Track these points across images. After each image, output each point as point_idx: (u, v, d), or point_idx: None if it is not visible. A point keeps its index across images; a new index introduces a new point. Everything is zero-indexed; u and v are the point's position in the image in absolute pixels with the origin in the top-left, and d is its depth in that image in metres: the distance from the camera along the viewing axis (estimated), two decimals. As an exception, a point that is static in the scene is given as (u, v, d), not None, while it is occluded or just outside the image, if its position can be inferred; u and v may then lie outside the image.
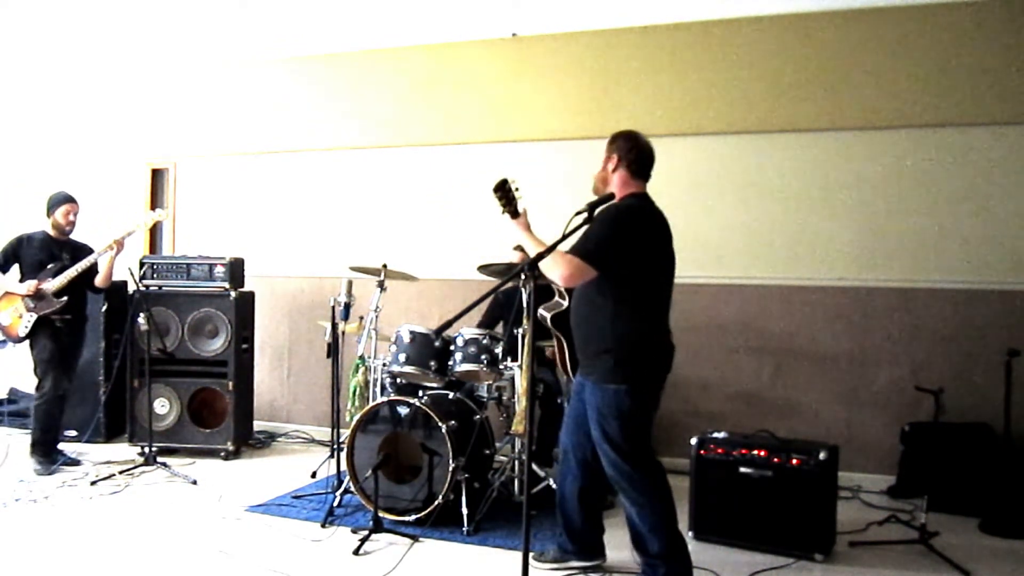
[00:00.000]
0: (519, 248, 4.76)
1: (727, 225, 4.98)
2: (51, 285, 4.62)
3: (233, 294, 5.16)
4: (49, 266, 4.69)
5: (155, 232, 6.43)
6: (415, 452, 3.83)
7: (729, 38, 4.97)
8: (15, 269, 4.75)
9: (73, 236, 4.87)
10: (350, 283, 4.41)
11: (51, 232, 4.78)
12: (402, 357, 4.06)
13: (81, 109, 6.50)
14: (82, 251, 4.86)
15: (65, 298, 4.69)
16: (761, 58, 4.91)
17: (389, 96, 5.72)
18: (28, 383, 5.05)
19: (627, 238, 2.89)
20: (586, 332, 3.01)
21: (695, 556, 3.13)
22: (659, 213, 3.02)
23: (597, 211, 2.94)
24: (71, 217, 4.79)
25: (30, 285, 4.58)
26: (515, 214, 3.00)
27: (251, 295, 5.52)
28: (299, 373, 5.94)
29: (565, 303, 3.14)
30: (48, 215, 4.77)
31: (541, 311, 3.31)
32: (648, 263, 2.94)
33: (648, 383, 2.98)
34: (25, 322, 4.61)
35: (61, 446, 5.01)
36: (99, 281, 4.80)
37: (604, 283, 2.88)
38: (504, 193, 2.97)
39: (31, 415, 4.76)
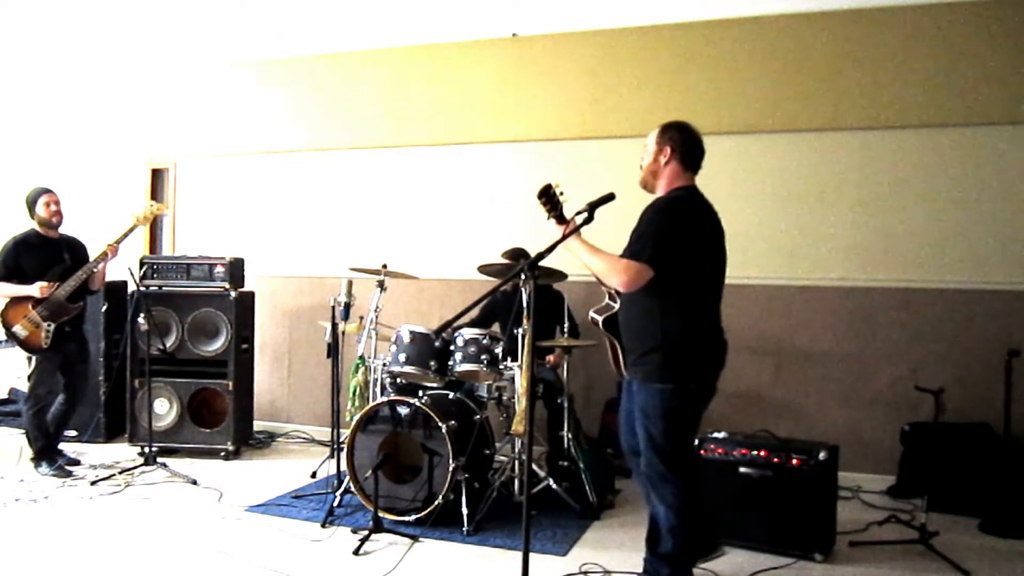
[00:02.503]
0: (510, 253, 4.75)
1: (727, 225, 4.93)
2: (62, 291, 4.52)
3: (233, 294, 5.16)
4: (53, 269, 4.58)
5: (155, 232, 6.44)
6: (415, 452, 3.83)
7: (729, 38, 4.97)
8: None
9: (64, 231, 4.77)
10: (350, 283, 4.41)
11: (40, 229, 4.66)
12: (402, 357, 4.06)
13: (81, 109, 6.50)
14: (78, 247, 4.81)
15: (81, 303, 4.65)
16: (761, 58, 4.91)
17: (389, 96, 5.72)
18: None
19: (678, 232, 2.78)
20: (634, 331, 2.93)
21: (695, 556, 3.13)
22: (709, 205, 2.93)
23: (596, 210, 2.88)
24: (53, 207, 4.63)
25: (42, 287, 4.44)
26: (561, 219, 2.88)
27: (251, 295, 5.52)
28: (299, 373, 5.94)
29: (616, 305, 3.07)
30: (31, 214, 4.65)
31: (592, 314, 3.21)
32: (697, 258, 2.83)
33: (696, 383, 2.87)
34: (46, 332, 4.51)
35: (61, 446, 5.01)
36: (94, 284, 4.74)
37: (652, 281, 2.76)
38: (549, 199, 2.89)
39: (28, 424, 4.66)
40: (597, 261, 2.82)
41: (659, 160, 2.92)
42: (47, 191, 4.68)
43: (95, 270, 4.64)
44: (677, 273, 2.77)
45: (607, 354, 3.21)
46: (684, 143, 2.92)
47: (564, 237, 2.77)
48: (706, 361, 2.90)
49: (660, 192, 2.94)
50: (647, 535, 3.06)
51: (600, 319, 3.16)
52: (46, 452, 4.67)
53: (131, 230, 4.68)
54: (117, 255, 4.65)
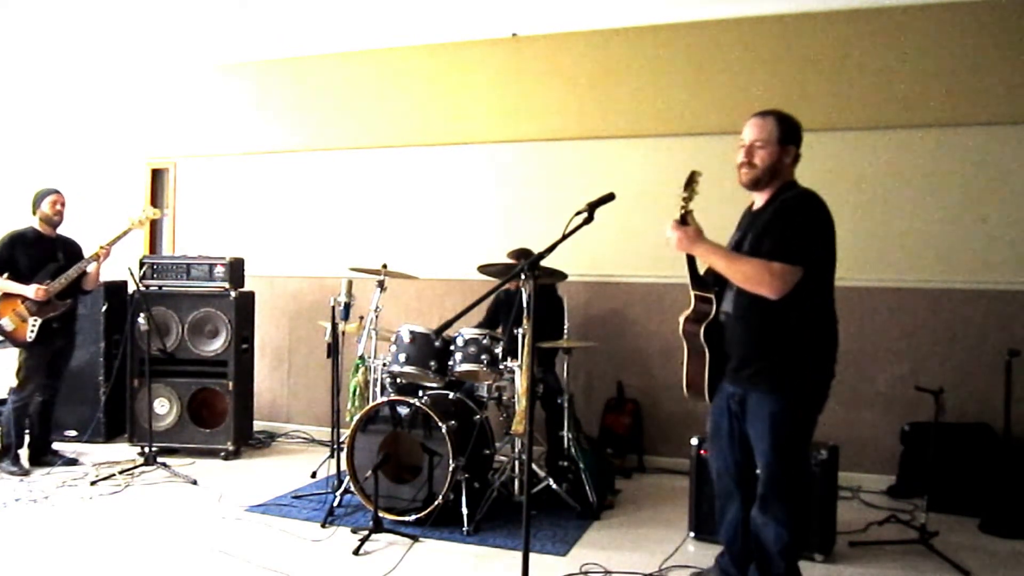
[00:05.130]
0: (515, 253, 4.75)
1: (728, 225, 4.95)
2: (52, 288, 4.57)
3: (233, 294, 5.16)
4: (47, 267, 4.64)
5: (155, 232, 6.43)
6: (415, 452, 3.83)
7: (729, 38, 4.97)
8: None
9: (61, 231, 4.81)
10: (350, 283, 4.41)
11: (40, 227, 4.72)
12: (402, 357, 4.06)
13: (81, 109, 6.50)
14: (73, 247, 4.83)
15: (69, 301, 4.68)
16: (761, 58, 4.91)
17: (389, 96, 5.71)
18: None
19: (826, 231, 2.65)
20: (759, 338, 2.67)
21: (695, 556, 3.12)
22: None
23: (596, 210, 2.62)
24: (59, 207, 4.72)
25: (39, 290, 4.52)
26: (684, 220, 2.65)
27: (251, 295, 5.52)
28: (299, 373, 5.94)
29: (712, 310, 2.75)
30: (34, 211, 4.72)
31: (688, 324, 2.83)
32: (832, 257, 2.70)
33: (825, 387, 2.71)
34: (31, 326, 4.55)
35: (60, 446, 5.02)
36: (87, 284, 4.77)
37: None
38: (691, 190, 2.63)
39: (8, 417, 4.66)
40: (742, 267, 2.60)
41: (783, 160, 2.70)
42: (56, 191, 4.76)
43: (87, 270, 4.66)
44: (819, 274, 2.63)
45: (682, 370, 2.83)
46: (800, 142, 2.73)
47: (564, 237, 2.51)
48: (832, 363, 2.76)
49: (769, 189, 2.73)
50: (733, 556, 2.91)
51: (702, 329, 2.75)
52: (9, 451, 4.64)
53: (125, 233, 4.72)
54: (110, 257, 4.68)
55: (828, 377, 2.73)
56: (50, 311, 4.61)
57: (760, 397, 2.69)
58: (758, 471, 2.75)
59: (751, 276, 2.58)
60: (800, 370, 2.66)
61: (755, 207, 2.80)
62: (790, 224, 2.60)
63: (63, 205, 4.76)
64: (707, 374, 2.77)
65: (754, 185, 2.73)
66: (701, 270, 2.86)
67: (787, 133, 2.71)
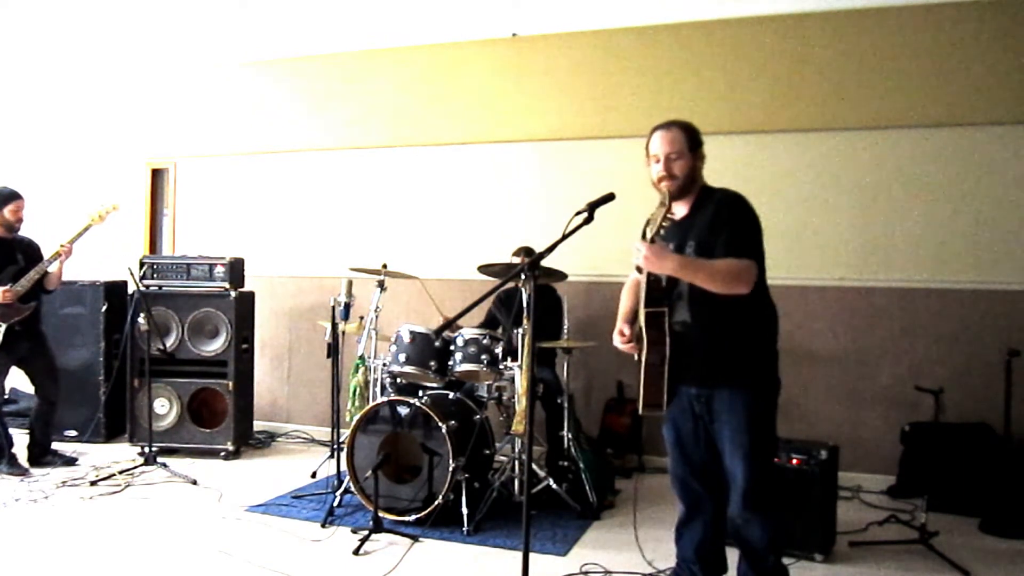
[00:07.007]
0: (520, 252, 4.76)
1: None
2: (17, 291, 4.47)
3: (233, 294, 5.16)
4: (6, 270, 4.53)
5: (155, 232, 6.44)
6: (415, 452, 3.83)
7: (729, 38, 4.97)
8: None
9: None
10: (350, 283, 4.42)
11: None
12: (402, 357, 4.06)
13: (81, 109, 6.50)
14: (32, 248, 4.76)
15: (34, 303, 4.61)
16: (761, 58, 4.91)
17: (389, 96, 5.72)
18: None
19: (759, 225, 2.71)
20: (726, 337, 2.69)
21: (695, 556, 3.12)
22: None
23: (596, 210, 2.61)
24: (21, 214, 4.63)
25: (5, 292, 4.41)
26: (647, 238, 2.63)
27: (251, 295, 5.52)
28: (299, 373, 5.94)
29: (666, 322, 2.71)
30: None
31: (652, 335, 2.71)
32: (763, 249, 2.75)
33: (777, 372, 2.79)
34: None
35: (60, 446, 5.02)
36: (50, 284, 4.68)
37: None
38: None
39: None
40: (719, 268, 2.58)
41: (696, 164, 2.80)
42: (18, 197, 4.65)
43: (49, 271, 4.60)
44: (762, 266, 2.70)
45: (637, 380, 2.72)
46: (702, 144, 2.84)
47: (564, 237, 2.52)
48: (777, 351, 2.83)
49: (691, 195, 2.80)
50: (711, 571, 2.91)
51: (667, 341, 2.70)
52: (2, 452, 4.60)
53: (86, 229, 4.64)
54: (72, 255, 4.61)
55: (777, 364, 2.81)
56: (14, 315, 4.50)
57: (731, 393, 2.72)
58: (730, 469, 2.73)
59: (729, 274, 2.58)
60: (760, 360, 2.75)
61: (678, 216, 2.83)
62: (737, 222, 2.69)
63: (23, 210, 4.65)
64: (665, 385, 2.72)
65: (679, 194, 2.79)
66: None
67: (694, 139, 2.82)
